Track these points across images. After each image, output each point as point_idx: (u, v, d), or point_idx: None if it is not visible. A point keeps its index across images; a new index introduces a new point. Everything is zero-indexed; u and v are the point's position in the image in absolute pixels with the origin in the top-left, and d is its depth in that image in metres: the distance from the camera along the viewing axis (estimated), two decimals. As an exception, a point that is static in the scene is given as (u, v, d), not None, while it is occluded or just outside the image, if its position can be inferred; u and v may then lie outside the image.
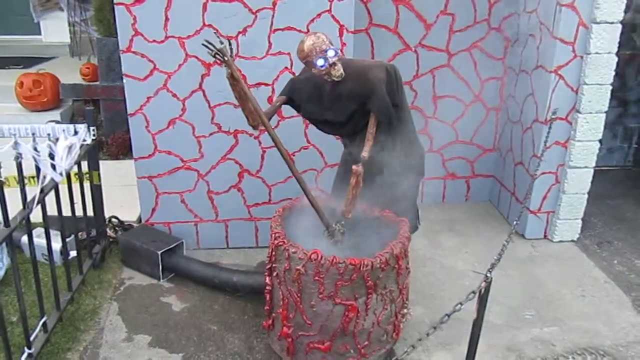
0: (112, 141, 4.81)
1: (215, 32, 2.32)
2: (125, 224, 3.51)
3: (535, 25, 3.51)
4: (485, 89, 4.02)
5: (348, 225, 2.73)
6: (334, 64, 2.34)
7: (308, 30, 3.15)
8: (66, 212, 2.79)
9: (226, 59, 2.27)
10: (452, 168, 4.22)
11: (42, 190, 2.44)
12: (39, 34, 7.20)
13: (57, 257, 3.12)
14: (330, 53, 2.33)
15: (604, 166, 4.91)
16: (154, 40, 3.07)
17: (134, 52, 3.08)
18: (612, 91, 3.39)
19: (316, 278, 2.28)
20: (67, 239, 2.94)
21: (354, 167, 2.45)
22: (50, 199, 2.54)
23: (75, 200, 2.91)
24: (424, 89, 3.96)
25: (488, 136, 4.16)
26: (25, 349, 2.37)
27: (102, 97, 4.96)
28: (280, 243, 2.36)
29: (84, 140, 2.92)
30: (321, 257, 2.26)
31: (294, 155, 3.39)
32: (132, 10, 3.00)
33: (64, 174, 2.64)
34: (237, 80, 2.32)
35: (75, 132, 2.87)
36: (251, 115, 2.44)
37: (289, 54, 3.18)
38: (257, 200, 3.47)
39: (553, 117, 3.41)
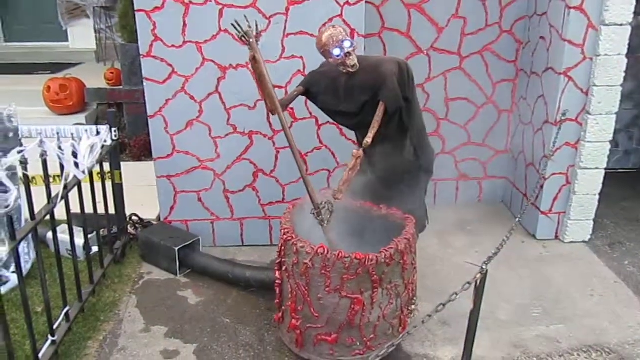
0: (135, 143, 4.98)
1: (245, 16, 2.42)
2: (145, 221, 3.66)
3: (546, 27, 3.56)
4: (497, 91, 4.07)
5: (355, 223, 2.82)
6: (349, 54, 2.49)
7: (320, 35, 3.25)
8: (89, 209, 2.95)
9: (251, 40, 2.38)
10: (464, 169, 4.27)
11: (65, 187, 2.59)
12: (67, 40, 7.47)
13: (80, 252, 3.28)
14: (347, 44, 2.48)
15: (620, 168, 4.91)
16: (173, 45, 3.21)
17: (153, 57, 3.22)
18: (629, 93, 3.42)
19: (323, 272, 2.37)
20: (90, 235, 3.10)
21: (354, 150, 2.56)
22: (74, 196, 2.70)
23: (97, 199, 3.07)
24: (436, 91, 4.03)
25: (500, 138, 4.20)
26: (49, 336, 2.51)
27: (125, 101, 5.15)
28: (289, 238, 2.46)
29: (106, 141, 3.08)
30: (328, 252, 2.35)
31: (306, 156, 3.49)
32: (152, 17, 3.14)
33: (86, 172, 2.78)
34: (258, 62, 2.42)
35: (98, 133, 3.03)
36: (269, 98, 2.54)
37: (301, 57, 3.29)
38: (271, 199, 3.58)
39: (563, 118, 3.45)
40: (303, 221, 2.68)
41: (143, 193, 3.99)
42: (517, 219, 2.87)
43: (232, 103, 3.35)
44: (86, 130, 2.90)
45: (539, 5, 3.66)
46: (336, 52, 2.47)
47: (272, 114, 2.67)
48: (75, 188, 2.72)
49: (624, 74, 3.36)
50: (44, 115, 5.27)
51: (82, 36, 7.29)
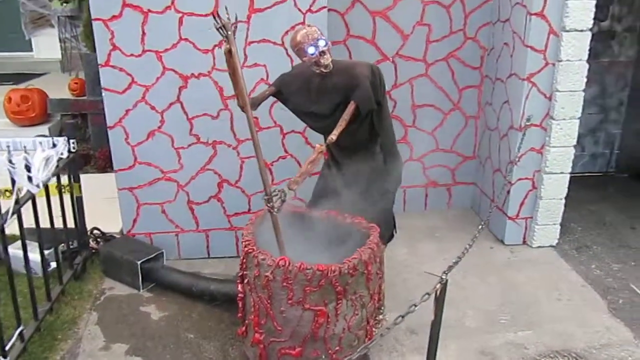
0: (100, 154, 4.85)
1: (226, 8, 2.35)
2: (107, 235, 3.55)
3: (509, 34, 3.58)
4: (463, 98, 4.08)
5: (320, 232, 2.78)
6: (324, 52, 2.48)
7: (282, 43, 3.22)
8: (47, 224, 2.85)
9: (228, 33, 2.31)
10: (433, 176, 4.27)
11: (17, 202, 2.49)
12: (31, 50, 7.30)
13: (37, 269, 3.17)
14: (321, 42, 2.48)
15: (586, 172, 4.97)
16: (132, 54, 3.13)
17: (112, 66, 3.15)
18: (593, 98, 3.45)
19: (284, 284, 2.32)
20: (48, 251, 2.99)
21: (317, 144, 2.53)
22: (29, 211, 2.60)
23: (56, 213, 2.97)
24: (403, 98, 4.02)
25: (468, 144, 4.21)
26: (1, 357, 2.40)
27: (89, 111, 5.03)
28: (250, 250, 2.40)
29: (63, 153, 2.99)
30: (289, 264, 2.30)
31: (272, 165, 3.44)
32: (110, 25, 3.07)
33: (40, 185, 2.68)
34: (233, 56, 2.36)
35: (54, 145, 2.93)
36: (240, 94, 2.48)
37: (264, 65, 3.24)
38: (237, 210, 3.52)
39: (527, 123, 3.47)
40: (266, 232, 2.62)
41: (108, 205, 3.87)
42: (481, 226, 2.85)
43: (194, 113, 3.29)
44: (40, 143, 2.81)
45: (502, 12, 3.69)
46: (311, 50, 2.46)
47: (242, 110, 2.60)
48: (32, 202, 2.63)
49: (586, 79, 3.39)
50: (4, 127, 5.10)
51: (46, 46, 7.13)
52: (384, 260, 2.92)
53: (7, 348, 2.42)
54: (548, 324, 2.97)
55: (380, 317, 2.96)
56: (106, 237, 3.54)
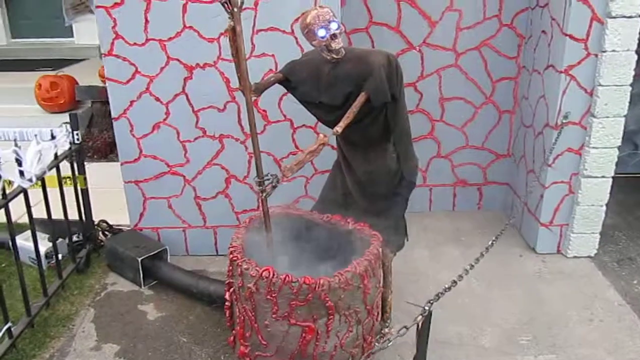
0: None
1: None
2: (115, 228, 3.48)
3: (547, 20, 3.21)
4: (497, 90, 3.74)
5: (321, 238, 2.58)
6: (335, 36, 2.25)
7: (292, 31, 3.00)
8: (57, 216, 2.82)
9: (235, 9, 2.14)
10: (462, 174, 3.96)
11: (4, 196, 2.42)
12: (72, 36, 7.40)
13: (43, 261, 3.14)
14: (333, 25, 2.25)
15: (637, 173, 4.49)
16: (135, 43, 3.01)
17: (115, 56, 3.03)
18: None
19: (268, 297, 2.13)
20: (49, 244, 2.94)
21: (321, 135, 2.29)
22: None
23: (58, 205, 2.92)
24: (430, 90, 3.73)
25: (501, 141, 3.87)
26: (-17, 356, 2.36)
27: (116, 99, 5.00)
28: (235, 258, 2.23)
29: (72, 144, 2.92)
30: (273, 275, 2.11)
31: (281, 161, 3.26)
32: (112, 13, 2.95)
33: (34, 179, 2.61)
34: (237, 35, 2.18)
35: (53, 137, 2.86)
36: (242, 76, 2.30)
37: (273, 55, 3.04)
38: (245, 207, 3.36)
39: (564, 121, 3.11)
40: (258, 238, 2.45)
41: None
42: (506, 225, 2.57)
43: (200, 105, 3.14)
44: (35, 135, 2.73)
45: (542, -4, 3.32)
46: (321, 32, 2.24)
47: (243, 94, 2.41)
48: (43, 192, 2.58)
49: (633, 72, 2.99)
50: (35, 113, 5.16)
51: (87, 32, 7.19)
52: (391, 270, 2.71)
53: (-10, 346, 2.37)
54: (574, 348, 2.66)
55: (386, 330, 2.75)
56: (113, 230, 3.47)
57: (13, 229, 2.51)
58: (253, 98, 2.38)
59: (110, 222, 3.55)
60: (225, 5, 2.14)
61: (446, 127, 3.82)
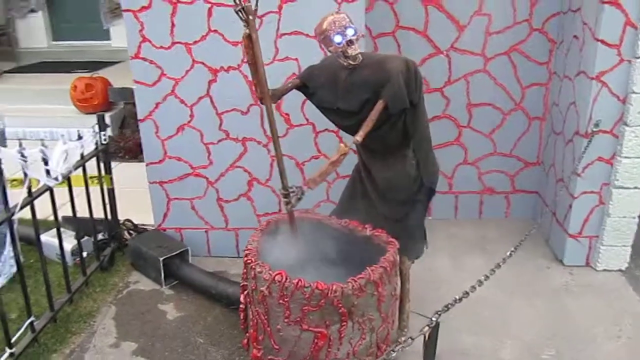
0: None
1: None
2: (139, 227, 3.55)
3: (579, 25, 3.11)
4: (527, 97, 3.65)
5: (338, 243, 2.56)
6: (351, 42, 2.23)
7: (316, 35, 2.99)
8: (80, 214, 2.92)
9: (250, 17, 2.16)
10: (489, 182, 3.87)
11: (30, 194, 2.49)
12: (109, 39, 7.59)
13: (68, 258, 3.22)
14: (350, 31, 2.23)
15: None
16: (161, 46, 3.06)
17: (142, 58, 3.09)
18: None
19: (280, 301, 2.13)
20: (66, 241, 3.02)
21: (341, 144, 2.27)
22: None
23: (86, 204, 3.00)
24: (458, 96, 3.67)
25: (531, 148, 3.77)
26: (7, 349, 2.42)
27: (147, 101, 5.10)
28: (249, 260, 2.24)
29: (98, 144, 2.99)
30: (286, 279, 2.11)
31: (303, 165, 3.26)
32: (139, 17, 3.01)
33: (59, 178, 2.68)
34: (253, 42, 2.20)
35: (80, 137, 2.93)
36: (260, 84, 2.32)
37: (296, 59, 3.04)
38: (267, 210, 3.37)
39: (595, 129, 3.01)
40: (274, 242, 2.45)
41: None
42: (532, 230, 2.51)
43: (224, 108, 3.16)
44: (62, 135, 2.80)
45: (574, 0, 3.21)
46: (337, 39, 2.22)
47: (261, 103, 2.43)
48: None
49: (670, 80, 2.88)
50: (70, 114, 5.32)
51: (123, 35, 7.32)
52: (409, 278, 2.67)
53: (12, 340, 2.43)
54: (599, 366, 2.56)
55: (402, 338, 2.70)
56: (138, 230, 3.53)
57: (37, 225, 2.58)
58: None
59: (137, 222, 3.62)
60: (240, 13, 2.15)
61: (473, 133, 3.75)
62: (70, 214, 3.01)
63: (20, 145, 2.34)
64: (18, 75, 6.80)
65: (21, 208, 2.42)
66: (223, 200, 3.37)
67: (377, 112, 2.26)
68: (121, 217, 3.50)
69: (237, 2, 2.14)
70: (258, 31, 2.97)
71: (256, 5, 2.17)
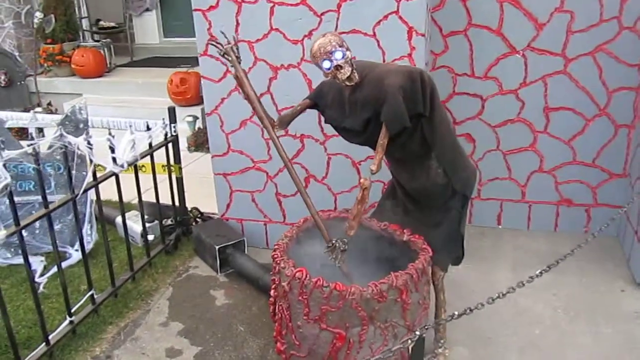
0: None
1: (221, 32, 2.36)
2: (205, 215, 3.74)
3: (673, 23, 2.77)
4: (613, 102, 3.32)
5: (374, 246, 2.52)
6: (340, 67, 2.14)
7: (374, 34, 2.96)
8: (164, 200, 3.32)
9: (230, 58, 2.26)
10: (567, 193, 3.58)
11: (95, 178, 2.74)
12: (212, 36, 8.00)
13: (138, 239, 3.50)
14: (337, 55, 2.14)
15: None
16: (227, 44, 3.18)
17: (209, 56, 3.25)
18: None
19: (300, 298, 2.15)
20: (137, 223, 3.26)
21: (361, 180, 2.23)
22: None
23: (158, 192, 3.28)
24: (533, 99, 3.43)
25: (617, 158, 3.43)
26: (67, 316, 2.69)
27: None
28: (275, 256, 2.28)
29: (167, 135, 3.23)
30: (305, 277, 2.12)
31: (359, 164, 3.24)
32: (208, 16, 3.16)
33: (125, 166, 2.91)
34: (240, 81, 2.29)
35: (148, 128, 3.15)
36: (261, 119, 2.38)
37: (354, 58, 3.01)
38: (322, 207, 3.35)
39: (684, 141, 2.67)
40: (306, 240, 2.47)
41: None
42: (593, 235, 2.32)
43: (283, 104, 3.23)
44: (130, 125, 3.04)
45: (671, -5, 2.87)
46: (326, 64, 2.14)
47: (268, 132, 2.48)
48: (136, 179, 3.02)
49: None
50: (167, 106, 5.69)
51: (225, 32, 7.74)
52: (443, 288, 2.56)
53: (72, 310, 2.70)
54: (661, 407, 2.28)
55: (440, 350, 2.61)
56: (204, 217, 3.73)
57: (101, 207, 2.84)
58: (279, 132, 2.43)
59: (208, 210, 3.83)
60: (225, 56, 2.27)
61: (550, 139, 3.48)
62: (151, 199, 3.29)
63: (61, 135, 2.58)
64: (130, 69, 7.41)
65: (84, 191, 2.67)
66: (281, 195, 3.45)
67: (384, 135, 2.16)
68: (198, 204, 3.74)
69: (220, 48, 2.32)
70: (317, 30, 3.04)
71: (237, 52, 2.34)
